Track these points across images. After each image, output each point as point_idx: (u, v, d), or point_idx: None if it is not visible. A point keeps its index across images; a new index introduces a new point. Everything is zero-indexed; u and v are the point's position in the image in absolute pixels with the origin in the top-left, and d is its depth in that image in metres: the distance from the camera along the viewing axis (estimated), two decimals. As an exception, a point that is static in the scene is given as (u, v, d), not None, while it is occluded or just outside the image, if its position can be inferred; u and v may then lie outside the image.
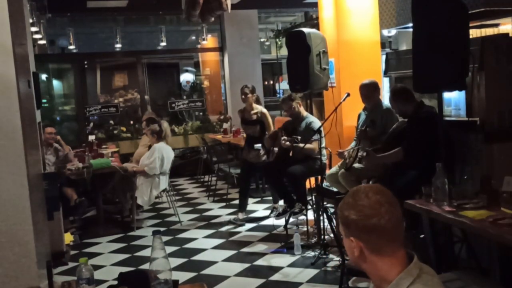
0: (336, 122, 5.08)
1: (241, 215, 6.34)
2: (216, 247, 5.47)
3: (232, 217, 6.46)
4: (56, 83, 11.50)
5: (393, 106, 4.47)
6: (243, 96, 6.27)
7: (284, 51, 7.76)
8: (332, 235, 4.54)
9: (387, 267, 1.47)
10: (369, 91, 4.94)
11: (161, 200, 7.27)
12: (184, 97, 11.79)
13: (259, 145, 6.14)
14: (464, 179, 3.46)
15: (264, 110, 6.35)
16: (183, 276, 4.59)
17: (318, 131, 4.97)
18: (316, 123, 5.29)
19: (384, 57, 5.63)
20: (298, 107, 5.46)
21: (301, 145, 5.07)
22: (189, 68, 13.60)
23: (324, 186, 5.21)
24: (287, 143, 5.22)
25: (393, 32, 8.51)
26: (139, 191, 6.31)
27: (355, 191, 1.52)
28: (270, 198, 7.37)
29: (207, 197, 7.97)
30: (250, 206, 7.16)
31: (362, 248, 1.48)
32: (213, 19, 6.57)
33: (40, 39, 8.38)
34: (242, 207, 6.41)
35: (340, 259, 3.72)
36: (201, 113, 11.30)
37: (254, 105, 6.33)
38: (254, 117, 6.28)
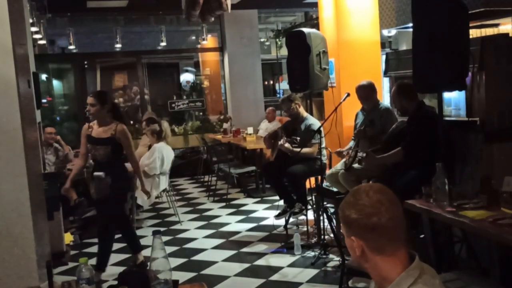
0: (336, 122, 5.08)
1: (98, 275, 4.48)
2: (216, 247, 5.47)
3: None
4: (56, 83, 11.50)
5: (396, 102, 4.33)
6: (89, 107, 4.58)
7: (284, 51, 7.77)
8: (332, 235, 4.54)
9: (388, 266, 1.47)
10: (367, 92, 4.93)
11: (161, 200, 7.26)
12: (184, 97, 11.79)
13: (101, 173, 4.48)
14: (464, 179, 3.46)
15: (123, 127, 4.56)
16: (183, 276, 4.59)
17: (318, 131, 4.97)
18: (316, 125, 5.24)
19: (384, 57, 5.63)
20: (298, 107, 5.45)
21: (298, 149, 5.07)
22: (189, 68, 13.61)
23: (324, 186, 5.21)
24: (286, 145, 5.21)
25: (393, 32, 8.51)
26: (139, 191, 6.31)
27: (356, 190, 1.52)
28: (270, 198, 7.38)
29: (207, 197, 7.97)
30: (250, 206, 7.17)
31: (363, 248, 1.47)
32: (213, 19, 6.57)
33: (40, 39, 8.39)
34: (100, 265, 4.63)
35: (340, 259, 3.71)
36: (201, 113, 11.30)
37: (109, 119, 4.57)
38: (107, 134, 4.52)
